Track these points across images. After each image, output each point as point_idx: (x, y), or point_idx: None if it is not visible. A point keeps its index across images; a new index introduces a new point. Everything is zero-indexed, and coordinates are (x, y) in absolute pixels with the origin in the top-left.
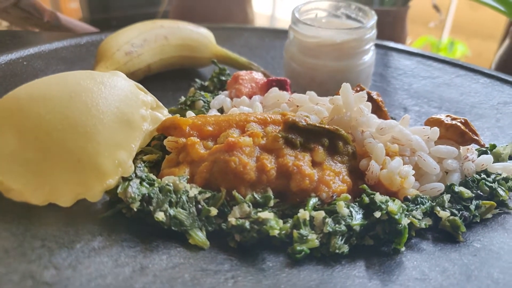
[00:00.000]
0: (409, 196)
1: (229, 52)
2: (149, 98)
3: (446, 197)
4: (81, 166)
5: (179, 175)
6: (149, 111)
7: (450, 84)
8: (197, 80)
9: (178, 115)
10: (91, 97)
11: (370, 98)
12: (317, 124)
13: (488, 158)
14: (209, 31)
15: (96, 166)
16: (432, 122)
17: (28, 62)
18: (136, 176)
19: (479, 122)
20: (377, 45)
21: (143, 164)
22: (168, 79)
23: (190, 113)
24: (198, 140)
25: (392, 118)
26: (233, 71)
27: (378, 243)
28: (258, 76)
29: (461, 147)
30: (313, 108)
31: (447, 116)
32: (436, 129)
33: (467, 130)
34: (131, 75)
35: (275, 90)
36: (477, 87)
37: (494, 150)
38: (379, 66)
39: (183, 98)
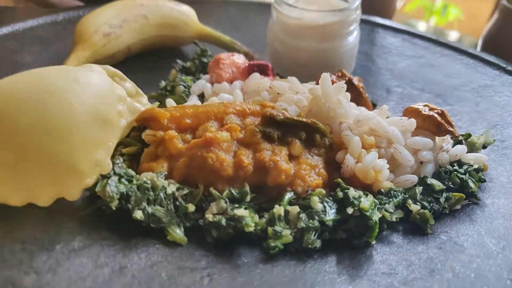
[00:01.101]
0: (382, 190)
1: (211, 31)
2: (128, 85)
3: (419, 189)
4: (59, 167)
5: (157, 171)
6: (125, 106)
7: (434, 64)
8: (178, 61)
9: (156, 105)
10: (66, 97)
11: (351, 84)
12: (295, 118)
13: (462, 148)
14: (191, 8)
15: (74, 166)
16: (410, 112)
17: (1, 43)
18: (115, 173)
19: (459, 106)
20: (363, 21)
21: (121, 160)
22: (150, 59)
23: (169, 101)
24: (176, 134)
25: (373, 103)
26: (216, 50)
27: (351, 236)
28: (240, 59)
29: (437, 137)
30: (292, 98)
31: (425, 105)
32: (413, 121)
33: (443, 122)
34: (111, 58)
35: (256, 76)
36: (460, 68)
37: (468, 140)
38: (364, 44)
39: (163, 83)
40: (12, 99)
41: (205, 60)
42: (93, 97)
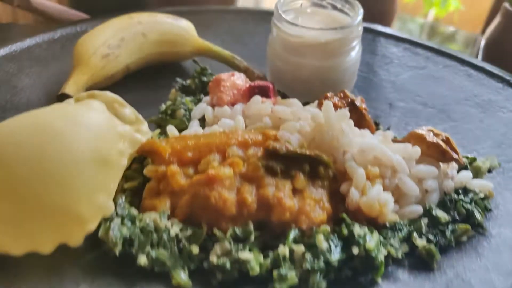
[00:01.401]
0: (387, 224)
1: (210, 45)
2: (127, 111)
3: (424, 221)
4: (60, 214)
5: (160, 210)
6: (126, 143)
7: (437, 76)
8: (178, 79)
9: (157, 133)
10: (65, 142)
11: (353, 106)
12: (298, 151)
13: (467, 175)
14: (190, 23)
15: (75, 212)
16: (414, 138)
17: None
18: (117, 214)
19: (463, 122)
20: (364, 29)
21: (123, 199)
22: (149, 76)
23: (171, 128)
24: (178, 169)
25: (375, 122)
26: (216, 64)
27: (356, 273)
28: (240, 80)
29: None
30: (295, 126)
31: (430, 130)
32: (417, 149)
33: (448, 149)
34: (110, 78)
35: (257, 99)
36: (463, 80)
37: (473, 164)
38: (366, 54)
39: (163, 106)
40: (8, 146)
41: (205, 79)
42: (93, 139)
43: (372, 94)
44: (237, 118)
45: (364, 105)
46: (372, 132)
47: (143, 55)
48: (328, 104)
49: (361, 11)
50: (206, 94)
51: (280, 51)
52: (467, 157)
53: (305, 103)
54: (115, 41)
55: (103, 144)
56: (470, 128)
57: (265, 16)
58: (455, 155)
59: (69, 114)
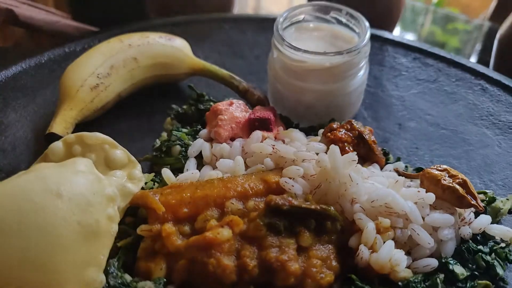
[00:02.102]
0: (400, 283)
1: (207, 65)
2: (119, 153)
3: (440, 277)
4: None
5: (156, 275)
6: (116, 206)
7: (449, 91)
8: (173, 106)
9: (151, 177)
10: (48, 219)
11: (361, 139)
12: (303, 205)
13: (486, 220)
14: (184, 42)
15: None
16: (428, 179)
17: None
18: (109, 285)
19: (478, 146)
20: (372, 36)
21: (115, 268)
22: (142, 101)
23: (166, 171)
24: (173, 228)
25: (385, 152)
26: (212, 85)
27: None
28: (239, 110)
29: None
30: (298, 172)
31: (445, 170)
32: (431, 196)
33: (465, 195)
34: (101, 110)
35: (257, 136)
36: (478, 96)
37: (492, 204)
38: (373, 65)
39: (158, 142)
40: None
41: (201, 106)
42: (79, 211)
43: (380, 112)
44: (237, 159)
45: (372, 137)
46: (381, 165)
47: (135, 81)
48: (334, 149)
49: (368, 27)
50: (203, 123)
51: (281, 73)
52: (484, 193)
53: (309, 128)
54: (104, 69)
55: (90, 215)
56: (487, 153)
57: (264, 24)
58: (473, 201)
59: (50, 184)
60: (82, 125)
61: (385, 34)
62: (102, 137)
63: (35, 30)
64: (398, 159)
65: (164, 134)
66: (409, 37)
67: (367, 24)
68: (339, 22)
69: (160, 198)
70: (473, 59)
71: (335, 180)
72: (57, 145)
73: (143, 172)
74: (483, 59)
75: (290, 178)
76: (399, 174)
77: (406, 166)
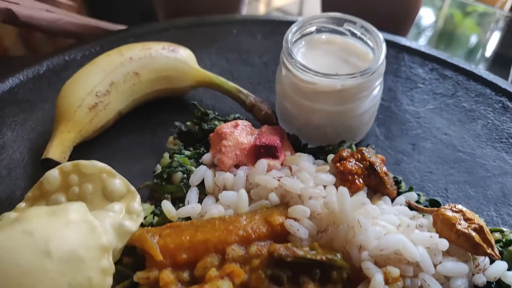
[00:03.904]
0: None
1: (213, 77)
2: (117, 183)
3: None
4: None
5: None
6: (110, 257)
7: (468, 108)
8: (176, 123)
9: (150, 210)
10: (35, 280)
11: (372, 170)
12: (308, 256)
13: (502, 267)
14: (189, 52)
15: None
16: (442, 222)
17: None
18: None
19: (498, 175)
20: (387, 42)
21: None
22: (143, 116)
23: (166, 204)
24: (172, 276)
25: (396, 181)
26: (218, 96)
27: None
28: (244, 134)
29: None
30: (305, 213)
31: (460, 212)
32: (445, 243)
33: (481, 243)
34: (100, 130)
35: (262, 166)
36: (499, 116)
37: (510, 248)
38: (388, 75)
39: (159, 168)
40: None
41: (206, 126)
42: (70, 271)
43: (394, 130)
44: (240, 193)
45: (384, 168)
46: (392, 197)
47: (136, 97)
48: (343, 191)
49: (383, 43)
50: (207, 144)
51: (290, 92)
52: (501, 231)
53: (318, 148)
54: (104, 86)
55: (82, 273)
56: (505, 182)
57: (274, 28)
58: (489, 250)
59: (39, 241)
60: (79, 144)
61: (402, 40)
62: (99, 166)
63: (35, 30)
64: (411, 189)
65: (166, 156)
66: (428, 21)
67: (382, 39)
68: (353, 35)
69: (158, 241)
70: (491, 48)
71: (343, 224)
72: (53, 174)
73: (143, 198)
74: (502, 53)
75: (295, 219)
76: (411, 207)
77: (418, 195)
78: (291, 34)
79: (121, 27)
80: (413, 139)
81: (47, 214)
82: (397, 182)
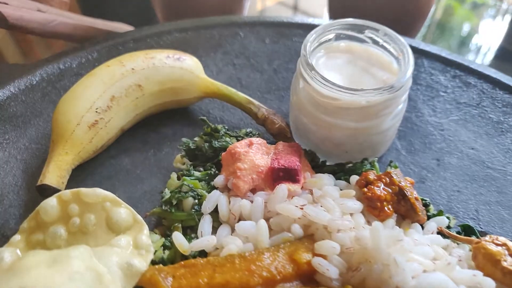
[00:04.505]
0: None
1: (222, 87)
2: (123, 213)
3: None
4: None
5: None
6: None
7: (495, 119)
8: (184, 140)
9: (160, 243)
10: None
11: (402, 195)
12: None
13: None
14: (195, 60)
15: None
16: (484, 256)
17: None
18: None
19: None
20: None
21: None
22: (148, 129)
23: (177, 236)
24: None
25: (425, 203)
26: (226, 106)
27: None
28: (260, 156)
29: None
30: (333, 249)
31: (503, 245)
32: (491, 283)
33: None
34: (100, 149)
35: (282, 192)
36: None
37: None
38: None
39: (167, 193)
40: None
41: (217, 144)
42: None
43: (416, 143)
44: (260, 224)
45: (415, 193)
46: (422, 223)
47: (140, 111)
48: (377, 227)
49: (410, 54)
50: (218, 163)
51: (307, 106)
52: None
53: (337, 165)
54: (104, 101)
55: None
56: None
57: (282, 30)
58: None
59: None
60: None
61: (420, 44)
62: (102, 194)
63: (27, 33)
64: (440, 213)
65: (174, 176)
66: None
67: (408, 49)
68: (375, 42)
69: (173, 284)
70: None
71: (376, 262)
72: (50, 204)
73: (150, 224)
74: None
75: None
76: (444, 235)
77: (447, 218)
78: (309, 43)
79: (118, 25)
80: (437, 153)
81: (47, 264)
82: (425, 205)
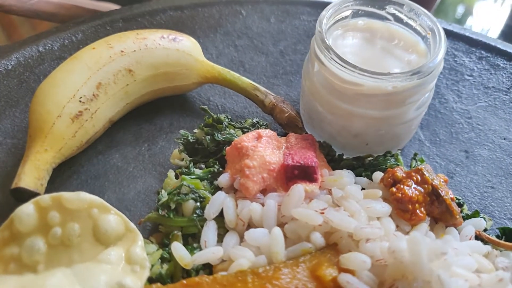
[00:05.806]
0: None
1: (223, 71)
2: (112, 220)
3: None
4: None
5: None
6: None
7: None
8: (181, 132)
9: (158, 265)
10: None
11: (436, 195)
12: None
13: None
14: (193, 41)
15: None
16: None
17: None
18: None
19: None
20: None
21: None
22: (140, 120)
23: (176, 248)
24: None
25: (459, 203)
26: (228, 92)
27: None
28: (271, 151)
29: None
30: (364, 264)
31: None
32: None
33: None
34: (85, 145)
35: (299, 194)
36: None
37: None
38: None
39: (164, 194)
40: None
41: (219, 137)
42: None
43: (441, 133)
44: (274, 233)
45: (450, 193)
46: (458, 226)
47: (130, 100)
48: (417, 239)
49: (442, 33)
50: (221, 159)
51: (323, 92)
52: None
53: (356, 159)
54: (89, 89)
55: None
56: None
57: (289, 8)
58: None
59: None
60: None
61: (441, 23)
62: (88, 199)
63: (5, 13)
64: (476, 213)
65: (171, 174)
66: None
67: (439, 26)
68: (398, 20)
69: None
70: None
71: (416, 279)
72: (27, 211)
73: (145, 232)
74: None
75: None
76: (484, 240)
77: (483, 218)
78: (325, 19)
79: (105, 4)
80: (466, 145)
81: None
82: (459, 205)
